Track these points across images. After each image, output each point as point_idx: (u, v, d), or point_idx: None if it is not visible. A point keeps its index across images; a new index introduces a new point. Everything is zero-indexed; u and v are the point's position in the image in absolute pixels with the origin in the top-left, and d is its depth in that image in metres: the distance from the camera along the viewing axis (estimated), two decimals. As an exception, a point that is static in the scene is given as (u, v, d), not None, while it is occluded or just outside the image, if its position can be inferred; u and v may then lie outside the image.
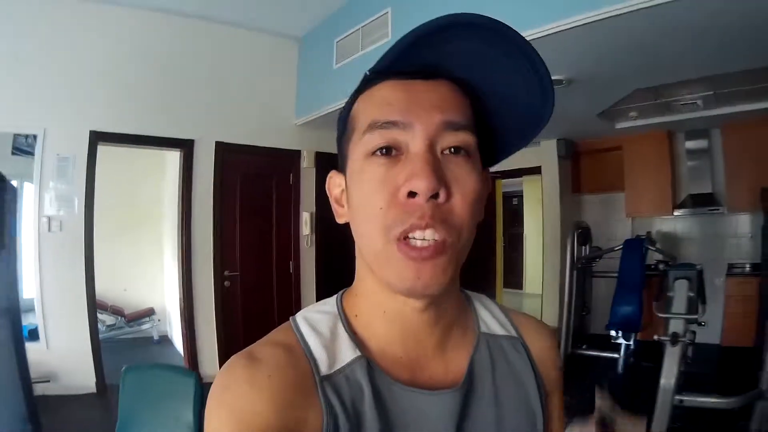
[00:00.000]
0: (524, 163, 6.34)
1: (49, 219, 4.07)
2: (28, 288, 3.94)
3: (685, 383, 2.87)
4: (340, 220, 0.57)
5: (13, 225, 1.77)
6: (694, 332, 3.12)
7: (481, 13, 0.48)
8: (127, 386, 1.70)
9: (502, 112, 0.55)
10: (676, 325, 2.94)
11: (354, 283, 0.58)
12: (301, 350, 0.52)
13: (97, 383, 4.16)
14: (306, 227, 5.04)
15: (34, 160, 4.01)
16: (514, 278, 9.37)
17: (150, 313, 5.92)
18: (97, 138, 4.18)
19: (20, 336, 1.77)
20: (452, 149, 0.49)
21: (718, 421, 2.56)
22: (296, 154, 5.02)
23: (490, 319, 0.64)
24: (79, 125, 4.12)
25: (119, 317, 5.71)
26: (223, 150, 4.61)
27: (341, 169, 0.56)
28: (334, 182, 0.58)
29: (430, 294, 0.49)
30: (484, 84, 0.54)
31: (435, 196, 0.47)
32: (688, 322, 2.96)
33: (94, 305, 4.24)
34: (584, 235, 5.21)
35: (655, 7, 2.30)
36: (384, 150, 0.49)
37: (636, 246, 4.15)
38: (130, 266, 6.07)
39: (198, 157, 4.51)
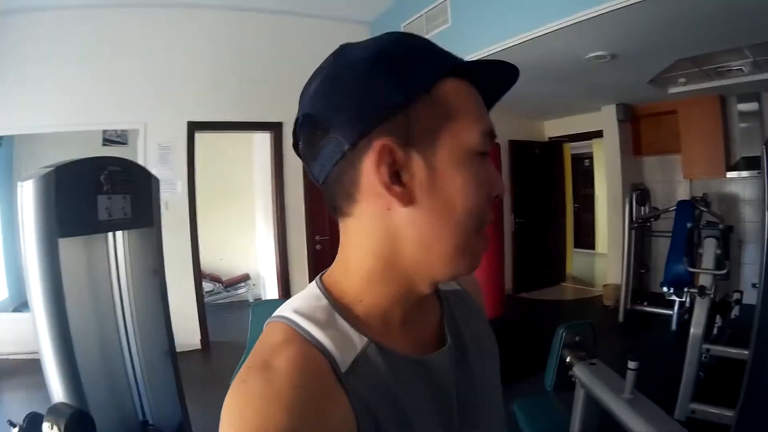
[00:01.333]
0: (589, 126, 6.56)
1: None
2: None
3: (728, 340, 3.09)
4: (395, 197, 0.50)
5: (157, 207, 2.33)
6: (741, 292, 3.31)
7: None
8: (255, 318, 2.26)
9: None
10: (704, 279, 3.16)
11: (355, 267, 0.55)
12: (313, 348, 0.49)
13: (202, 340, 4.90)
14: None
15: (138, 150, 4.66)
16: (586, 238, 9.48)
17: (245, 278, 6.68)
18: (194, 127, 4.81)
19: (165, 290, 2.31)
20: None
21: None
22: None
23: None
24: (178, 118, 4.75)
25: (217, 284, 6.49)
26: None
27: (401, 140, 0.49)
28: (388, 152, 0.49)
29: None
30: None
31: None
32: (716, 276, 3.18)
33: (199, 274, 4.94)
34: (642, 195, 5.40)
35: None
36: (483, 154, 0.53)
37: (687, 207, 4.32)
38: (225, 237, 6.82)
39: (287, 136, 5.01)
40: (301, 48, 5.06)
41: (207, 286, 6.36)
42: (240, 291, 6.60)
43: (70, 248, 1.83)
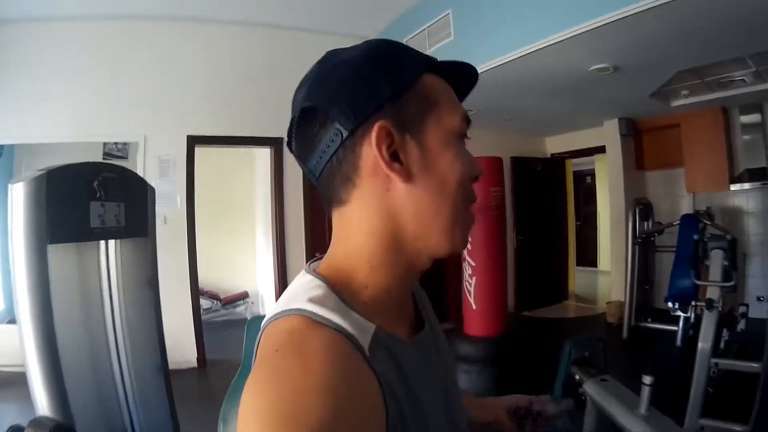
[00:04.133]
0: (592, 142, 6.54)
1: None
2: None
3: (736, 354, 3.00)
4: (395, 174, 0.54)
5: (152, 217, 2.27)
6: (747, 305, 3.27)
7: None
8: (249, 335, 2.19)
9: None
10: (712, 292, 3.10)
11: (356, 253, 0.57)
12: (337, 332, 0.49)
13: (198, 358, 4.78)
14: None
15: (137, 164, 4.62)
16: (589, 255, 9.45)
17: (244, 296, 6.57)
18: (194, 141, 4.78)
19: (159, 303, 2.25)
20: None
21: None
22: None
23: None
24: (178, 131, 4.72)
25: (215, 301, 6.40)
26: None
27: (396, 125, 0.54)
28: (386, 134, 0.54)
29: None
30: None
31: None
32: (723, 289, 3.11)
33: (196, 291, 4.86)
34: (645, 210, 5.35)
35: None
36: (463, 137, 0.60)
37: (692, 221, 4.27)
38: (224, 254, 6.76)
39: (287, 152, 4.95)
40: (302, 63, 4.72)
41: (205, 303, 6.27)
42: (238, 309, 6.50)
43: (60, 255, 1.77)
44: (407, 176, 0.55)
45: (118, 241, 2.03)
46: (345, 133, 0.53)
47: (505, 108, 5.30)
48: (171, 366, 4.30)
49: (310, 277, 0.58)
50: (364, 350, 0.49)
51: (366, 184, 0.55)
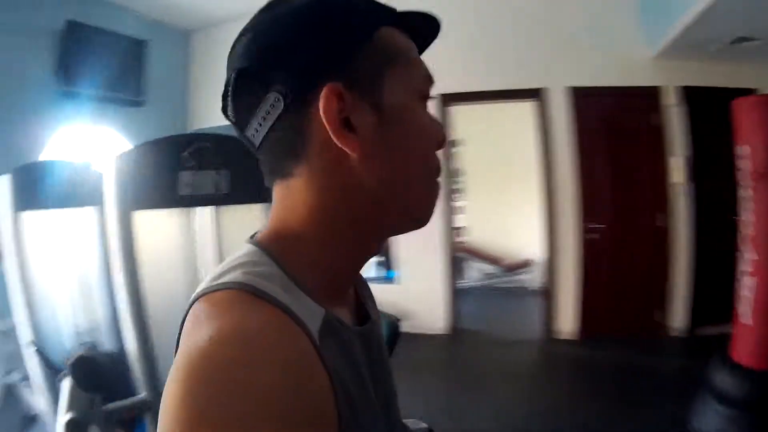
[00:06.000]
0: None
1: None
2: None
3: None
4: (344, 144, 0.47)
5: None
6: None
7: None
8: None
9: None
10: None
11: (303, 231, 0.51)
12: (282, 312, 0.42)
13: (447, 325, 4.66)
14: (677, 174, 4.18)
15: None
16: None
17: (527, 264, 6.12)
18: (447, 99, 4.56)
19: None
20: None
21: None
22: (655, 91, 4.18)
23: None
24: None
25: (497, 266, 6.16)
26: (575, 95, 4.30)
27: (348, 87, 0.48)
28: (335, 99, 0.47)
29: None
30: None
31: None
32: None
33: (451, 254, 4.72)
34: None
35: None
36: (426, 99, 0.55)
37: None
38: (507, 217, 6.44)
39: (551, 105, 4.36)
40: (558, 3, 4.32)
41: (487, 267, 6.15)
42: (523, 276, 6.05)
43: (147, 221, 1.95)
44: (362, 145, 0.48)
45: (215, 207, 2.09)
46: (288, 98, 0.47)
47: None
48: (413, 330, 4.52)
49: (250, 246, 0.51)
50: (312, 336, 0.43)
51: (315, 155, 0.49)
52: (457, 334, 4.63)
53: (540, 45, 4.38)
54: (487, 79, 4.51)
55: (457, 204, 7.30)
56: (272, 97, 0.47)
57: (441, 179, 0.55)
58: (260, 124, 0.49)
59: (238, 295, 0.43)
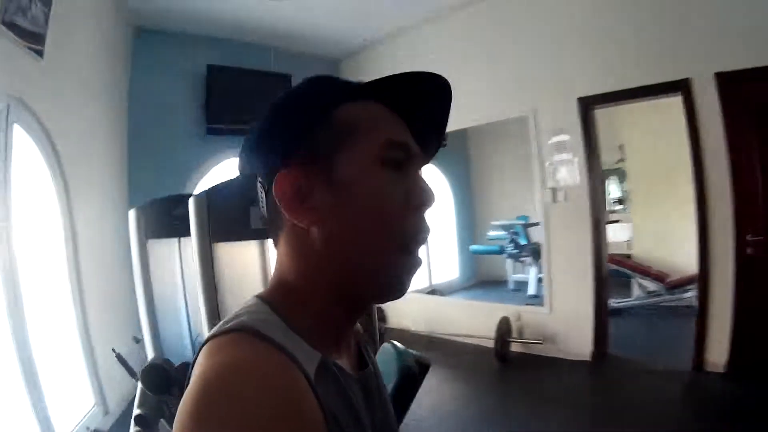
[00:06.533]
0: None
1: (554, 191, 4.45)
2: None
3: None
4: (299, 221, 0.54)
5: None
6: None
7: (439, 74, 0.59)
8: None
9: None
10: None
11: (295, 287, 0.56)
12: (283, 354, 0.46)
13: (593, 351, 4.21)
14: None
15: (530, 141, 4.54)
16: None
17: (692, 281, 5.22)
18: (586, 103, 4.23)
19: None
20: None
21: None
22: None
23: None
24: (565, 97, 4.30)
25: (660, 284, 5.42)
26: (726, 81, 3.55)
27: (305, 167, 0.54)
28: (288, 181, 0.53)
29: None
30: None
31: None
32: None
33: (600, 272, 4.26)
34: None
35: None
36: (395, 164, 0.55)
37: None
38: (670, 227, 5.68)
39: (699, 95, 3.70)
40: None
41: (650, 285, 5.45)
42: (687, 294, 5.20)
43: (224, 252, 2.17)
44: (321, 219, 0.53)
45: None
46: (265, 186, 0.57)
47: None
48: (558, 355, 4.26)
49: (257, 302, 0.56)
50: (308, 374, 0.47)
51: (288, 227, 0.56)
52: (601, 359, 4.19)
53: (679, 34, 3.77)
54: (629, 76, 4.01)
55: (617, 216, 6.64)
56: (258, 186, 0.57)
57: (422, 245, 0.55)
58: (261, 206, 0.59)
59: (240, 336, 0.48)
